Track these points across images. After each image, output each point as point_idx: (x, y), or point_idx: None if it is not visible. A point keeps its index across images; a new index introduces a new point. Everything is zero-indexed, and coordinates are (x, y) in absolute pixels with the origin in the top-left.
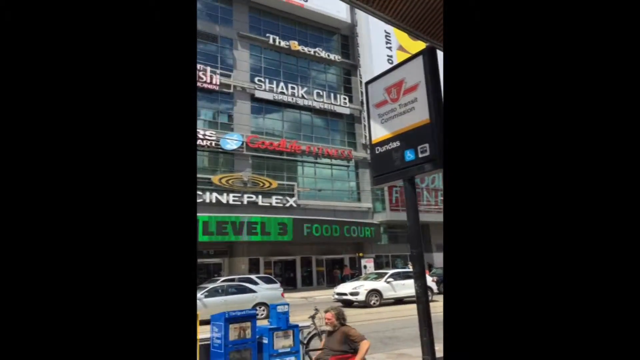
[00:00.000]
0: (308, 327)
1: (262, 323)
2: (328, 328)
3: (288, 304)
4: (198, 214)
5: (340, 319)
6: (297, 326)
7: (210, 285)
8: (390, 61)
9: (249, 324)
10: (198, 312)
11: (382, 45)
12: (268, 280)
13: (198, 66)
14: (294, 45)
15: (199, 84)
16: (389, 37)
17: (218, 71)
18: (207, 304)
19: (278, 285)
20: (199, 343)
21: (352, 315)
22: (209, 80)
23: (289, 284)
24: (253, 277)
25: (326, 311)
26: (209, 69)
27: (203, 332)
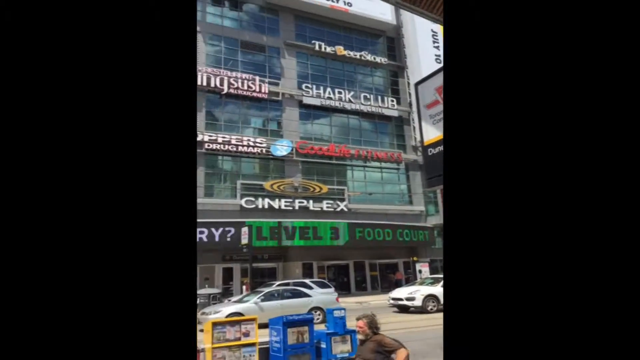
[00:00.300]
0: None
1: (318, 328)
2: (360, 337)
3: (344, 309)
4: (252, 220)
5: (373, 327)
6: (354, 331)
7: (266, 290)
8: (438, 60)
9: (306, 328)
10: (256, 316)
11: (429, 44)
12: (322, 285)
13: (247, 76)
14: (340, 50)
15: (248, 93)
16: (436, 36)
17: (266, 80)
18: (263, 307)
19: (332, 289)
20: (258, 346)
21: (409, 321)
22: (258, 89)
23: (343, 289)
24: (307, 281)
25: (358, 319)
26: (257, 78)
27: (262, 336)
